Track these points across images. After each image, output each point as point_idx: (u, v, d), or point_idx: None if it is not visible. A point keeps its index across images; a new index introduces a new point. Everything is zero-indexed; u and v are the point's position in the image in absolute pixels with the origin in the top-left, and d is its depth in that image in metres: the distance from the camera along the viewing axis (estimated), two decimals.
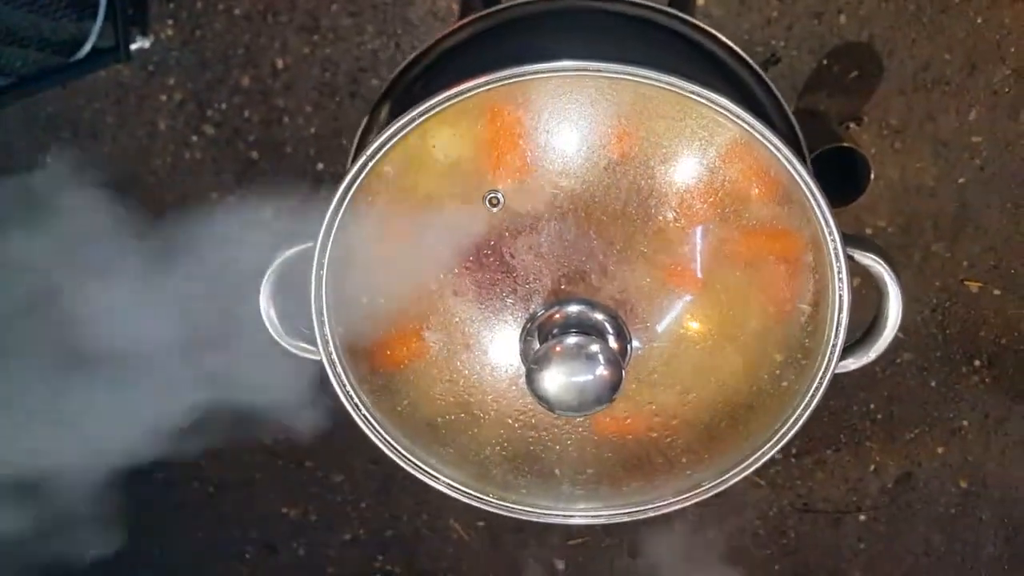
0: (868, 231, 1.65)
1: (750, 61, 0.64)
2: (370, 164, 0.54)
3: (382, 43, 1.65)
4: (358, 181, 0.54)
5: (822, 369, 0.57)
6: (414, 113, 0.53)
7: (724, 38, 0.62)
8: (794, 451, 1.80)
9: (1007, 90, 1.53)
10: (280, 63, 1.67)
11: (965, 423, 1.74)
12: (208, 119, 1.73)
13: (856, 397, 1.75)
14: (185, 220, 1.77)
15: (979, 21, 1.49)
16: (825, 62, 1.55)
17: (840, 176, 1.43)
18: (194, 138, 1.75)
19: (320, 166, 1.76)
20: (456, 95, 0.54)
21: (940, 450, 1.77)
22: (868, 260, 0.56)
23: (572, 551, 1.92)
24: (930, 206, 1.62)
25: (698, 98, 0.54)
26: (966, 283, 1.66)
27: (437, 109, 0.55)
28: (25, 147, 1.76)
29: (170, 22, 1.65)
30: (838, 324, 0.56)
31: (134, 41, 1.63)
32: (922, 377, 1.71)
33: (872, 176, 1.39)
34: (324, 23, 1.64)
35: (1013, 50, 1.50)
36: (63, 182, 1.74)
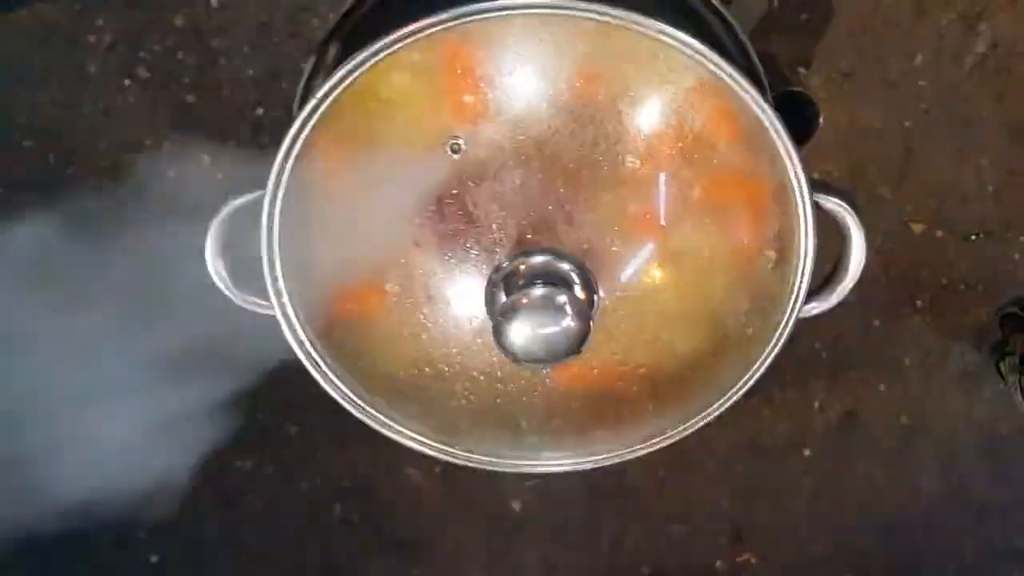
0: (815, 174, 1.65)
1: (714, 2, 0.62)
2: (320, 108, 0.51)
3: None
4: (308, 126, 0.51)
5: (786, 314, 0.57)
6: (365, 54, 0.50)
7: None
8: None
9: (952, 34, 1.54)
10: (215, 2, 1.60)
11: (907, 361, 1.79)
12: (141, 61, 1.65)
13: (801, 337, 1.78)
14: (121, 169, 1.71)
15: None
16: (776, 4, 1.54)
17: (791, 120, 1.42)
18: (127, 82, 1.67)
19: (260, 111, 1.69)
20: (409, 34, 0.52)
21: (882, 387, 1.81)
22: (832, 205, 0.55)
23: (528, 492, 1.94)
24: (876, 149, 1.64)
25: (663, 38, 0.52)
26: (910, 225, 1.69)
27: (390, 50, 0.52)
28: None
29: None
30: (803, 270, 0.55)
31: None
32: (866, 316, 1.75)
33: (821, 120, 1.39)
34: None
35: None
36: None
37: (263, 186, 0.54)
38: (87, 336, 1.02)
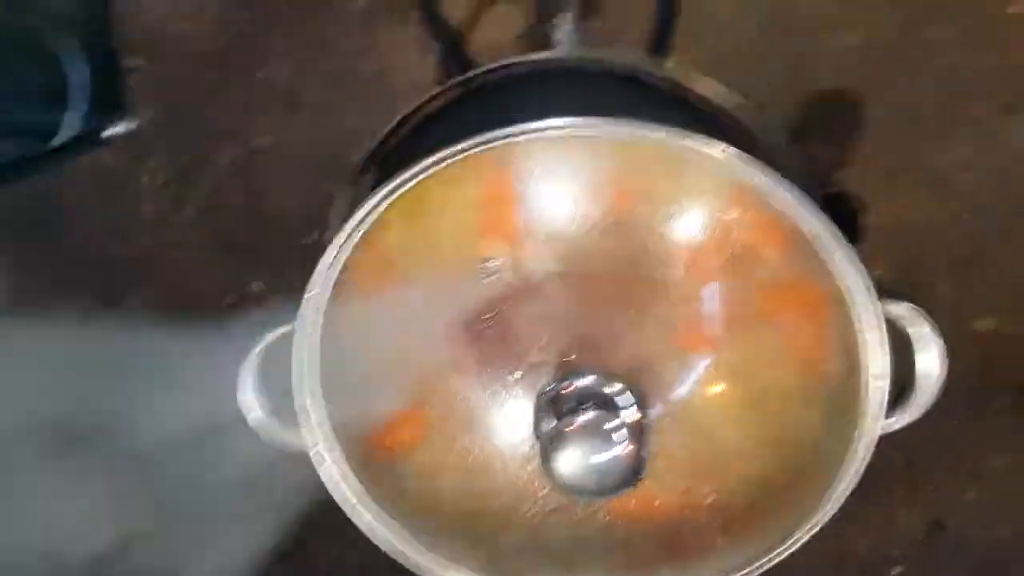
0: None
1: (742, 112, 0.60)
2: (354, 236, 0.50)
3: (364, 117, 1.63)
4: (341, 255, 0.50)
5: (865, 431, 0.52)
6: (396, 182, 0.49)
7: (711, 94, 0.59)
8: None
9: (992, 123, 1.52)
10: (262, 141, 1.66)
11: (994, 464, 1.68)
12: (191, 201, 1.71)
13: (875, 446, 1.69)
14: (173, 306, 1.73)
15: (958, 57, 1.48)
16: (810, 108, 1.54)
17: (834, 222, 1.40)
18: (177, 219, 1.71)
19: (307, 240, 1.73)
20: (440, 160, 0.50)
21: (970, 496, 1.70)
22: (902, 311, 0.51)
23: None
24: (930, 245, 1.59)
25: (695, 147, 0.50)
26: (976, 322, 1.62)
27: (422, 176, 0.51)
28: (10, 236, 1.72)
29: (150, 103, 1.63)
30: (881, 383, 0.51)
31: (113, 125, 1.61)
32: (944, 421, 1.66)
33: (866, 219, 1.36)
34: (305, 99, 1.63)
35: (996, 82, 1.49)
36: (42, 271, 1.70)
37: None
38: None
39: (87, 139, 1.52)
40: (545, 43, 1.33)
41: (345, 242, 0.49)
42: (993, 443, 1.67)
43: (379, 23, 1.55)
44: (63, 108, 1.49)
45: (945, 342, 1.59)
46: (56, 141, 1.48)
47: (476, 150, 0.50)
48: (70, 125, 1.48)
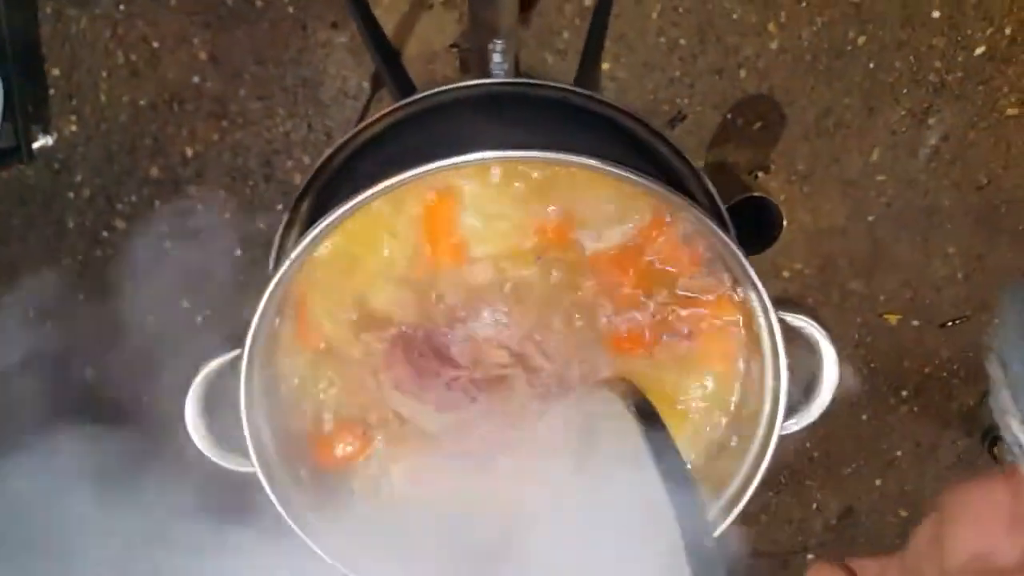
0: (785, 274, 1.69)
1: (660, 131, 0.64)
2: (293, 267, 0.52)
3: (294, 124, 1.64)
4: (281, 286, 0.52)
5: (764, 433, 0.57)
6: (332, 217, 0.51)
7: (635, 112, 0.63)
8: None
9: (904, 129, 1.61)
10: (190, 151, 1.65)
11: (899, 453, 1.78)
12: (119, 213, 1.69)
13: (790, 437, 1.77)
14: (98, 319, 1.71)
15: (872, 65, 1.56)
16: (729, 115, 1.61)
17: (754, 225, 1.46)
18: (105, 233, 1.70)
19: (238, 252, 1.72)
20: (373, 195, 0.52)
21: (878, 482, 1.80)
22: (799, 322, 0.56)
23: None
24: (843, 245, 1.68)
25: (619, 175, 0.54)
26: (885, 317, 1.71)
27: (356, 207, 0.53)
28: None
29: (73, 118, 1.61)
30: (777, 390, 0.56)
31: (36, 140, 1.58)
32: (853, 412, 1.75)
33: (784, 222, 1.43)
34: (232, 108, 1.62)
35: (905, 91, 1.58)
36: None
37: (240, 341, 0.55)
38: None
39: (10, 154, 1.49)
40: (478, 61, 1.36)
41: (284, 276, 0.51)
42: (900, 432, 1.77)
43: (311, 30, 1.56)
44: None
45: (860, 334, 1.66)
46: None
47: (409, 181, 0.53)
48: None
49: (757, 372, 0.58)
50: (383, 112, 0.61)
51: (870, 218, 1.67)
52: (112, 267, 1.71)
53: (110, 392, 1.72)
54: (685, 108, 1.61)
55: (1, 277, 1.66)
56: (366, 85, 1.61)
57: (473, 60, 1.33)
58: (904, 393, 1.76)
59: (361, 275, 0.59)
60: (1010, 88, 1.56)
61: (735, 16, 1.54)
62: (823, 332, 0.56)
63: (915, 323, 1.71)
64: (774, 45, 1.56)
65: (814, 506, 1.82)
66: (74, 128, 1.62)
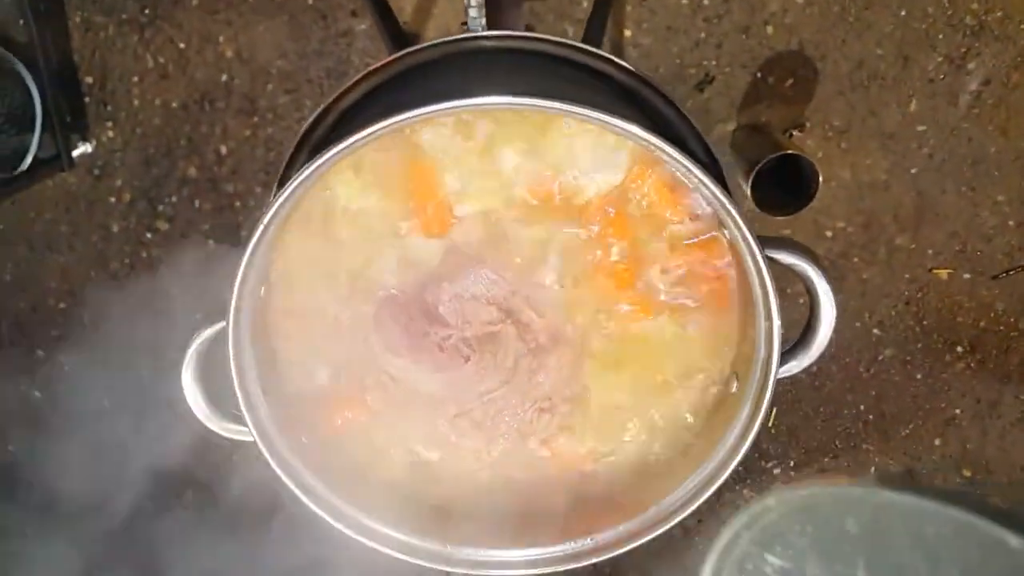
0: (828, 233, 1.64)
1: (652, 81, 0.63)
2: (270, 229, 0.53)
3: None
4: (259, 250, 0.53)
5: (762, 378, 0.55)
6: (309, 170, 0.51)
7: (621, 62, 0.62)
8: (792, 463, 1.77)
9: (942, 77, 1.54)
10: (224, 149, 1.67)
11: (958, 411, 1.72)
12: (160, 214, 1.73)
13: (844, 401, 1.72)
14: (154, 322, 1.76)
15: (903, 13, 1.51)
16: (759, 75, 1.56)
17: (791, 184, 1.43)
18: (149, 235, 1.74)
19: None
20: (352, 144, 0.52)
21: (937, 442, 1.74)
22: (792, 260, 0.54)
23: None
24: (887, 200, 1.62)
25: (604, 123, 0.53)
26: (935, 271, 1.65)
27: (338, 159, 0.53)
28: None
29: (109, 124, 1.65)
30: (770, 331, 0.54)
31: (75, 148, 1.63)
32: (907, 371, 1.69)
33: (820, 179, 1.39)
34: (262, 104, 1.64)
35: (941, 37, 1.52)
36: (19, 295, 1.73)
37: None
38: None
39: (51, 163, 1.54)
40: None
41: (261, 239, 0.52)
42: (957, 389, 1.70)
43: (331, 20, 1.57)
44: (25, 134, 1.51)
45: (910, 290, 1.61)
46: (20, 167, 1.50)
47: (392, 129, 0.52)
48: (34, 149, 1.50)
49: (751, 316, 0.57)
50: (359, 76, 0.61)
51: (913, 171, 1.61)
52: (158, 268, 1.75)
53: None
54: (713, 70, 1.58)
55: (54, 283, 1.72)
56: None
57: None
58: (959, 349, 1.69)
59: (346, 240, 0.59)
60: None
61: None
62: (817, 269, 0.54)
63: (967, 276, 1.65)
64: None
65: (872, 470, 1.77)
66: (111, 134, 1.67)
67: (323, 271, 0.58)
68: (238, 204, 1.72)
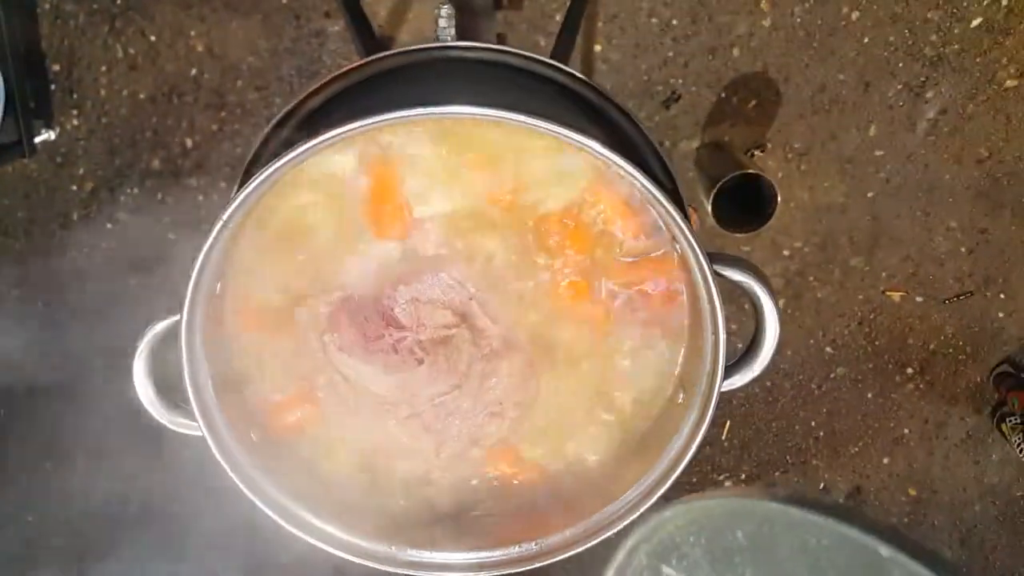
0: (786, 252, 1.68)
1: (613, 97, 0.64)
2: (229, 226, 0.53)
3: None
4: (216, 247, 0.53)
5: (707, 390, 0.57)
6: (266, 173, 0.52)
7: (583, 76, 0.63)
8: (744, 476, 1.80)
9: (901, 104, 1.59)
10: (189, 142, 1.67)
11: (906, 431, 1.76)
12: (122, 205, 1.71)
13: (796, 417, 1.76)
14: (107, 314, 1.74)
15: (866, 40, 1.55)
16: (724, 95, 1.60)
17: (751, 203, 1.45)
18: (109, 226, 1.72)
19: None
20: (310, 148, 0.52)
21: (885, 460, 1.78)
22: (740, 277, 0.56)
23: None
24: (843, 222, 1.66)
25: (563, 137, 0.54)
26: (888, 293, 1.69)
27: (303, 158, 0.53)
28: None
29: (74, 112, 1.64)
30: (716, 344, 0.56)
31: (38, 134, 1.61)
32: (858, 390, 1.73)
33: (779, 199, 1.42)
34: (230, 99, 1.64)
35: (901, 65, 1.56)
36: None
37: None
38: None
39: (12, 148, 1.52)
40: (474, 35, 1.37)
41: (218, 238, 0.52)
42: (906, 409, 1.75)
43: (304, 20, 1.58)
44: None
45: (864, 311, 1.64)
46: None
47: (346, 135, 0.53)
48: None
49: (699, 329, 0.58)
50: (327, 78, 0.61)
51: (869, 194, 1.66)
52: (117, 259, 1.74)
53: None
54: (679, 88, 1.60)
55: (7, 268, 1.69)
56: None
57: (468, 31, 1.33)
58: (909, 370, 1.74)
59: (304, 240, 0.60)
60: (1008, 59, 1.54)
61: None
62: (763, 284, 0.56)
63: (919, 299, 1.69)
64: (767, 23, 1.55)
65: (821, 486, 1.81)
66: (75, 122, 1.65)
67: (280, 269, 0.59)
68: (201, 198, 1.71)
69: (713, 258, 0.55)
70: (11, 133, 1.52)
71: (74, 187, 1.70)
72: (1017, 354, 1.70)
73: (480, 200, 0.58)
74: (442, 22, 0.64)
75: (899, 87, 1.58)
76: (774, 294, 0.57)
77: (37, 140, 1.61)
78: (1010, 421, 1.68)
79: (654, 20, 1.56)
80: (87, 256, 1.74)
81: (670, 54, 1.58)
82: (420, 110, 0.52)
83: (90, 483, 1.66)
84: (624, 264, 0.60)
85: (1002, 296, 1.68)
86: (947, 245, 1.67)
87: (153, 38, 1.60)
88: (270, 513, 0.59)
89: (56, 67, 1.60)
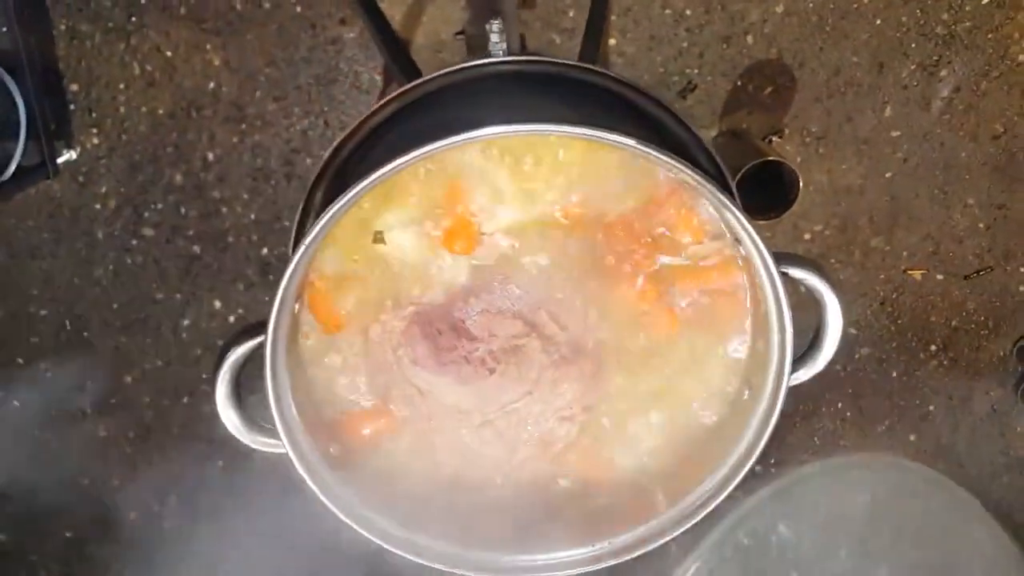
0: (807, 236, 1.69)
1: (661, 100, 0.66)
2: (308, 253, 0.55)
3: (310, 122, 1.66)
4: (299, 272, 0.55)
5: (773, 384, 0.58)
6: (345, 199, 0.53)
7: (631, 80, 0.64)
8: (773, 460, 1.81)
9: (915, 83, 1.60)
10: (211, 156, 1.68)
11: (931, 408, 1.78)
12: (145, 221, 1.73)
13: (823, 399, 1.77)
14: (134, 326, 1.76)
15: (878, 22, 1.56)
16: (740, 83, 1.61)
17: (771, 189, 1.47)
18: (134, 242, 1.74)
19: (264, 251, 1.76)
20: (387, 173, 0.54)
21: (912, 437, 1.80)
22: (802, 274, 0.57)
23: None
24: (862, 204, 1.67)
25: (637, 150, 0.54)
26: (908, 272, 1.71)
27: (369, 188, 0.55)
28: None
29: (94, 131, 1.65)
30: (783, 343, 0.57)
31: (60, 155, 1.62)
32: (883, 369, 1.75)
33: (801, 184, 1.43)
34: (250, 111, 1.65)
35: (914, 45, 1.57)
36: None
37: (263, 328, 0.57)
38: None
39: (36, 171, 1.53)
40: (482, 43, 1.38)
41: (301, 258, 0.54)
42: (931, 387, 1.76)
43: (320, 28, 1.59)
44: (8, 141, 1.50)
45: (885, 291, 1.66)
46: (3, 175, 1.49)
47: (420, 158, 0.54)
48: (18, 157, 1.49)
49: (763, 327, 0.60)
50: (387, 99, 0.63)
51: (887, 175, 1.67)
52: (143, 274, 1.76)
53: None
54: (695, 78, 1.61)
55: (36, 288, 1.71)
56: (378, 78, 1.63)
57: (478, 44, 1.34)
58: (933, 347, 1.75)
59: (378, 257, 0.61)
60: (1021, 34, 1.55)
61: None
62: (826, 282, 0.57)
63: (939, 277, 1.71)
64: (779, 9, 1.56)
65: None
66: (96, 141, 1.66)
67: (355, 287, 0.60)
68: (224, 210, 1.72)
69: (775, 257, 0.57)
70: (34, 156, 1.54)
71: (97, 206, 1.71)
72: None
73: (547, 211, 0.59)
74: (494, 37, 0.65)
75: (912, 67, 1.59)
76: (838, 290, 0.58)
77: (59, 161, 1.63)
78: None
79: (667, 11, 1.57)
80: (113, 273, 1.75)
81: (684, 44, 1.59)
82: (497, 129, 0.53)
83: None
84: (688, 268, 0.61)
85: (1022, 270, 1.69)
86: (965, 222, 1.68)
87: (169, 53, 1.61)
88: (353, 524, 0.61)
89: (74, 87, 1.61)
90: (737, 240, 0.59)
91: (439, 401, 0.63)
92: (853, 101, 1.61)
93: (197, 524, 1.72)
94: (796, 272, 0.57)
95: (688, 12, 1.56)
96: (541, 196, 0.59)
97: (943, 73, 1.59)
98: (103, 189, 1.69)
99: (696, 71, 1.60)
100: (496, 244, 0.60)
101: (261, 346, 0.57)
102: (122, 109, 1.64)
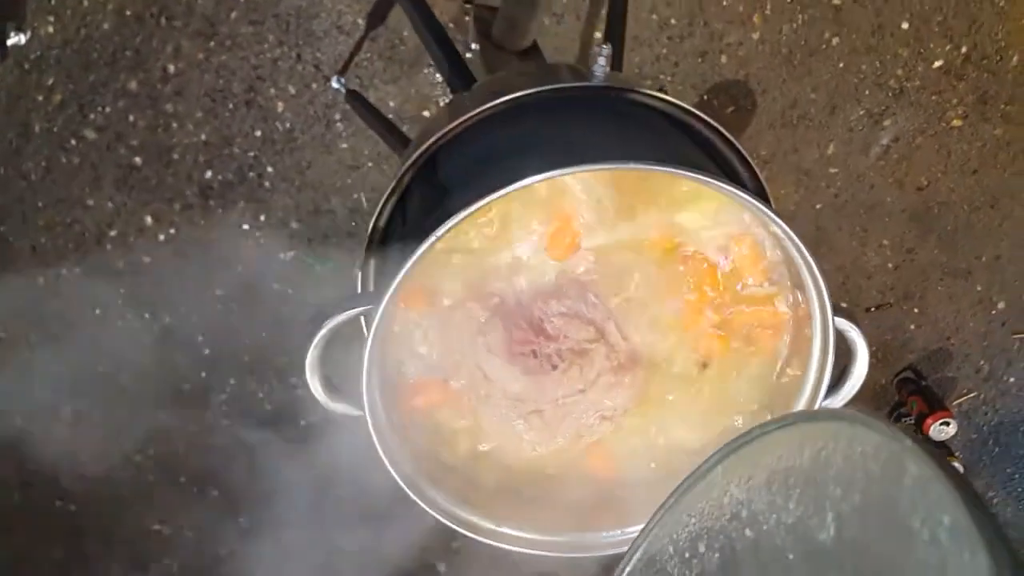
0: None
1: (734, 141, 0.72)
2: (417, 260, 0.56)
3: (283, 52, 1.63)
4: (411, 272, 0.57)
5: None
6: (451, 222, 0.54)
7: (717, 126, 0.70)
8: None
9: (861, 128, 1.73)
10: (172, 68, 1.62)
11: None
12: (89, 122, 1.65)
13: None
14: (57, 228, 1.68)
15: (841, 65, 1.67)
16: (706, 96, 1.69)
17: None
18: (73, 142, 1.66)
19: (208, 173, 1.72)
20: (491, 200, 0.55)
21: None
22: (845, 326, 0.65)
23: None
24: (791, 228, 1.80)
25: (731, 194, 0.60)
26: None
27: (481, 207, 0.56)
28: None
29: (51, 19, 1.56)
30: (819, 382, 0.65)
31: (8, 37, 1.53)
32: None
33: None
34: (222, 29, 1.60)
35: (868, 92, 1.70)
36: None
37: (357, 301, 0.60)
38: None
39: None
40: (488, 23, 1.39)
41: (411, 266, 0.55)
42: None
43: None
44: None
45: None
46: None
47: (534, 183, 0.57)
48: None
49: (799, 364, 0.67)
50: (459, 121, 0.65)
51: (818, 206, 1.80)
52: (76, 176, 1.68)
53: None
54: (666, 84, 1.69)
55: None
56: (361, 22, 1.61)
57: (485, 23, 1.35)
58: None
59: (475, 250, 0.65)
60: (958, 101, 1.70)
61: (725, 3, 1.61)
62: (862, 337, 0.66)
63: (843, 305, 1.86)
64: (756, 36, 1.65)
65: None
66: (51, 30, 1.57)
67: (449, 273, 0.64)
68: (175, 125, 1.67)
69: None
70: None
71: (40, 97, 1.62)
72: (921, 363, 1.91)
73: (637, 235, 0.64)
74: (601, 60, 0.68)
75: (861, 112, 1.72)
76: (867, 343, 0.67)
77: (8, 43, 1.53)
78: (904, 421, 1.89)
79: (655, 17, 1.63)
80: (44, 169, 1.67)
81: (663, 51, 1.65)
82: (610, 164, 0.57)
83: None
84: (746, 303, 0.68)
85: (916, 311, 1.88)
86: (877, 260, 1.84)
87: None
88: (414, 496, 0.65)
89: None
90: (794, 286, 0.66)
91: (502, 387, 0.67)
92: (803, 134, 1.73)
93: None
94: (840, 323, 0.65)
95: (673, 21, 1.63)
96: (633, 223, 0.64)
97: (887, 123, 1.73)
98: (49, 81, 1.60)
99: (669, 78, 1.67)
100: (585, 256, 0.64)
101: (361, 316, 0.60)
102: (86, 2, 1.55)
